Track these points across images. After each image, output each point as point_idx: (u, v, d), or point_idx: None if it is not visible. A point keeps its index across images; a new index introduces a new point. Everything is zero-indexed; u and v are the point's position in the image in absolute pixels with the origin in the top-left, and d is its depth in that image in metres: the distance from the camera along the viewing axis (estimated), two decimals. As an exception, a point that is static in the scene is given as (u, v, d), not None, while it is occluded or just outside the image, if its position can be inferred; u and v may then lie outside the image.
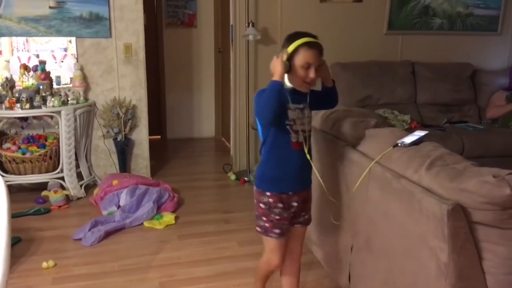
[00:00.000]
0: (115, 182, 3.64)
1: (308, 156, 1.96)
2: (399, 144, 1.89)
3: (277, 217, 1.99)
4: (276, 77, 1.84)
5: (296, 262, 2.21)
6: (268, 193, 1.98)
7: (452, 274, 1.53)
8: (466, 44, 4.98)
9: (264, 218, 2.01)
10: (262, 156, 2.03)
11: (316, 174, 2.07)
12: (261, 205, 2.01)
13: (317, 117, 2.50)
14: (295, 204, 2.01)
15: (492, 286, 1.57)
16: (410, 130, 3.10)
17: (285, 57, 1.86)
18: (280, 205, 1.98)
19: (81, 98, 3.96)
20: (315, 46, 1.88)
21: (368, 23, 4.66)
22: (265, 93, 1.84)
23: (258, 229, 2.05)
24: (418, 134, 1.93)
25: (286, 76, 1.91)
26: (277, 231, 2.00)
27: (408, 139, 1.90)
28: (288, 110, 1.92)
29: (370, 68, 4.50)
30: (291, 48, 1.87)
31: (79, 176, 3.97)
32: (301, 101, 1.96)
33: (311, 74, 1.88)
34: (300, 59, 1.87)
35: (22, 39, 3.90)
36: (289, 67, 1.87)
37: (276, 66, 1.85)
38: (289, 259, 2.17)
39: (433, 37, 4.88)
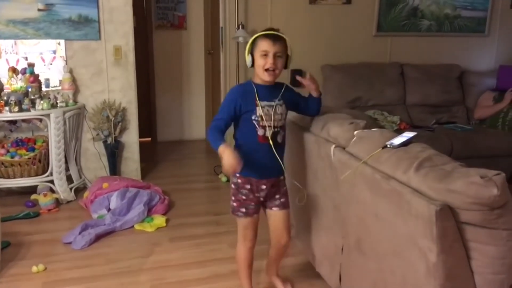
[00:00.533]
0: (105, 185, 3.62)
1: (273, 150, 2.10)
2: (388, 146, 1.90)
3: (244, 197, 2.19)
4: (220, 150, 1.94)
5: (281, 249, 2.37)
6: (237, 175, 2.15)
7: (441, 274, 1.55)
8: (454, 46, 5.04)
9: (233, 198, 2.21)
10: (235, 141, 2.18)
11: (281, 165, 2.18)
12: (232, 185, 2.22)
13: (307, 118, 2.51)
14: (263, 187, 2.17)
15: (480, 286, 1.59)
16: (399, 131, 3.13)
17: (247, 50, 2.08)
18: (247, 186, 2.17)
19: (71, 101, 3.94)
20: (271, 36, 2.04)
21: (357, 25, 4.69)
22: (210, 138, 2.02)
23: (230, 209, 2.25)
24: (407, 135, 1.95)
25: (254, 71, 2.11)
26: (243, 210, 2.20)
27: (397, 140, 1.92)
28: (256, 107, 2.08)
29: (360, 69, 4.53)
30: (249, 42, 2.07)
31: (69, 179, 3.95)
32: (273, 98, 2.13)
33: (270, 59, 2.03)
34: (257, 50, 2.05)
35: (10, 41, 3.88)
36: (252, 61, 2.07)
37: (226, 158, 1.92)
38: (277, 245, 2.35)
39: (422, 38, 4.93)
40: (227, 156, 1.90)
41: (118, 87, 4.19)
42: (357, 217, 2.04)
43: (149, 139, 5.97)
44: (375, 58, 4.74)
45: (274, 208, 2.27)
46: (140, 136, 4.43)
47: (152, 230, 3.31)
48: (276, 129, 2.13)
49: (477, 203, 1.49)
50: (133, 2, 4.11)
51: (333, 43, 4.62)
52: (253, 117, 2.09)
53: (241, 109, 2.10)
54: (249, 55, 2.09)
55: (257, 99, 2.08)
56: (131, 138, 4.33)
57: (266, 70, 2.06)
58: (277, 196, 2.26)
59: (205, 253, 3.00)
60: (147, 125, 5.75)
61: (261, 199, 2.22)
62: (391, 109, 4.50)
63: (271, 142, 2.10)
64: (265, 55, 2.04)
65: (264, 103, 2.10)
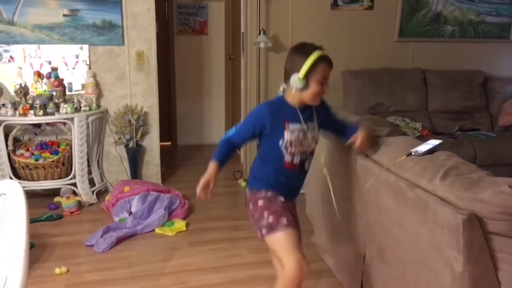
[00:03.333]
0: (126, 188, 3.66)
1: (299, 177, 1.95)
2: (413, 153, 1.88)
3: (280, 205, 1.88)
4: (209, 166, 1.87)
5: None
6: (265, 189, 1.92)
7: (467, 284, 1.52)
8: (477, 52, 4.97)
9: (267, 212, 1.85)
10: (258, 159, 2.01)
11: (331, 192, 2.06)
12: (259, 201, 1.89)
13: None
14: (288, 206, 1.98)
15: (507, 297, 1.56)
16: (421, 138, 3.10)
17: (302, 74, 1.80)
18: (281, 198, 1.90)
19: (94, 105, 3.99)
20: (329, 60, 1.85)
21: (379, 31, 4.66)
22: (220, 147, 1.94)
23: (264, 230, 1.85)
24: (432, 143, 1.92)
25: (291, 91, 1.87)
26: (283, 220, 1.82)
27: (422, 148, 1.90)
28: (285, 130, 1.85)
29: (381, 75, 4.50)
30: (309, 64, 1.79)
31: (91, 182, 4.00)
32: (306, 120, 1.90)
33: (326, 88, 1.85)
34: (318, 75, 1.81)
35: (34, 45, 3.95)
36: (305, 84, 1.81)
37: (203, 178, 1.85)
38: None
39: (445, 44, 4.87)
40: (205, 175, 1.84)
41: (140, 91, 4.23)
42: (380, 225, 2.02)
43: (169, 143, 6.01)
44: (396, 63, 4.70)
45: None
46: (161, 140, 4.47)
47: (173, 234, 3.33)
48: (304, 156, 1.92)
49: (505, 212, 1.46)
50: (156, 7, 4.16)
51: (354, 49, 4.60)
52: (280, 142, 1.86)
53: (268, 131, 1.87)
54: (305, 79, 1.81)
55: (292, 120, 1.86)
56: (152, 142, 4.37)
57: (319, 96, 1.87)
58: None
59: (224, 258, 3.00)
60: (167, 129, 5.80)
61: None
62: (413, 115, 4.45)
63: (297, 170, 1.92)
64: (323, 82, 1.83)
65: (296, 126, 1.87)
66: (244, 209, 2.05)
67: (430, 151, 1.88)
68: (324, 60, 1.82)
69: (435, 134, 4.23)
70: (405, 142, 2.04)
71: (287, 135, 1.85)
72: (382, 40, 4.69)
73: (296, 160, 1.90)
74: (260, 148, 2.01)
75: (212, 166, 1.86)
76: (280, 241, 1.82)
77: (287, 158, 1.88)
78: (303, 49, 1.85)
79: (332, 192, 2.09)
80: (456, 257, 1.53)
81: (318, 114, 1.96)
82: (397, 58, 4.74)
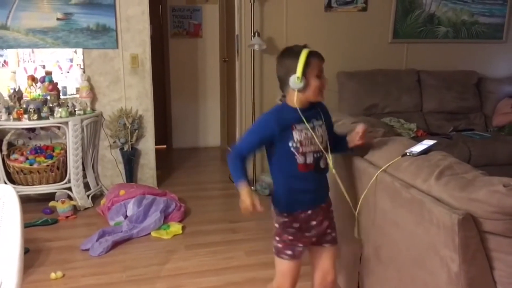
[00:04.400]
0: (122, 192, 3.65)
1: (317, 177, 1.92)
2: (408, 154, 1.89)
3: (290, 237, 1.92)
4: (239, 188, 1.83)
5: (330, 285, 2.07)
6: (284, 214, 1.92)
7: (463, 284, 1.52)
8: (471, 52, 4.99)
9: (277, 238, 1.95)
10: (273, 178, 1.98)
11: (342, 189, 2.02)
12: (276, 224, 1.96)
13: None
14: (313, 223, 1.93)
15: (503, 296, 1.57)
16: (416, 139, 3.11)
17: (299, 73, 1.80)
18: (295, 225, 1.91)
19: (88, 109, 3.98)
20: (319, 54, 1.87)
21: (373, 32, 4.67)
22: (231, 169, 1.89)
23: (273, 249, 1.99)
24: (427, 143, 1.93)
25: (294, 95, 1.85)
26: (289, 252, 1.93)
27: (417, 148, 1.90)
28: (293, 131, 1.85)
29: (376, 76, 4.51)
30: (302, 61, 1.80)
31: (86, 186, 3.98)
32: (311, 118, 1.89)
33: (325, 80, 1.87)
34: (314, 69, 1.82)
35: (28, 50, 3.94)
36: (305, 82, 1.81)
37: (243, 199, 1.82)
38: (322, 285, 2.07)
39: (438, 45, 4.89)
40: (244, 196, 1.79)
41: (134, 95, 4.22)
42: (376, 226, 2.03)
43: (165, 146, 6.00)
44: (391, 65, 4.71)
45: (325, 245, 2.01)
46: (156, 143, 4.46)
47: (169, 238, 3.32)
48: (317, 154, 1.89)
49: (500, 212, 1.47)
50: (150, 10, 4.15)
51: (348, 50, 4.61)
52: (290, 144, 1.85)
53: (277, 137, 1.86)
54: (303, 76, 1.81)
55: (297, 122, 1.85)
56: (148, 146, 4.35)
57: (321, 90, 1.87)
58: (329, 231, 2.01)
59: (221, 261, 3.00)
60: (162, 132, 5.79)
61: (313, 239, 1.97)
62: (408, 116, 4.47)
63: (328, 165, 1.92)
64: (321, 76, 1.85)
65: (302, 126, 1.86)
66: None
67: (425, 152, 1.89)
68: (315, 55, 1.85)
69: (430, 135, 4.24)
70: (400, 142, 2.05)
71: (296, 135, 1.85)
72: (376, 42, 4.70)
73: (309, 160, 1.87)
74: (271, 162, 1.96)
75: (243, 186, 1.82)
76: (280, 265, 1.98)
77: (300, 160, 1.86)
78: (291, 52, 1.86)
79: (344, 192, 2.07)
80: (452, 256, 1.53)
81: (324, 116, 1.97)
82: (392, 59, 4.76)
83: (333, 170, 1.93)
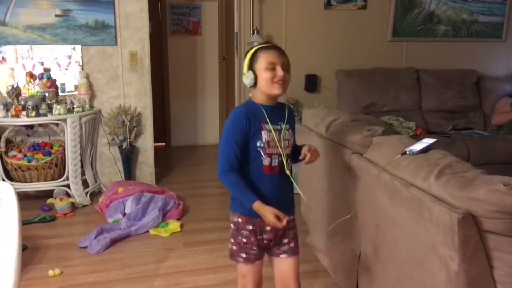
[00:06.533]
0: (120, 189, 3.64)
1: (291, 179, 1.82)
2: (408, 152, 1.88)
3: (244, 240, 1.82)
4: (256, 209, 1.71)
5: None
6: (238, 213, 1.83)
7: (463, 283, 1.52)
8: (470, 51, 4.99)
9: (232, 240, 1.86)
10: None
11: (300, 193, 1.99)
12: (231, 225, 1.87)
13: (321, 124, 2.50)
14: (267, 228, 1.80)
15: (503, 296, 1.56)
16: (415, 137, 3.10)
17: (244, 69, 1.77)
18: (249, 227, 1.81)
19: (87, 106, 3.97)
20: (275, 47, 1.80)
21: (373, 30, 4.67)
22: (236, 191, 1.78)
23: (228, 251, 1.90)
24: (427, 141, 1.92)
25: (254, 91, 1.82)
26: (243, 255, 1.84)
27: (417, 147, 1.90)
28: (261, 131, 1.76)
29: (375, 75, 4.50)
30: (248, 56, 1.77)
31: (85, 184, 3.97)
32: (278, 121, 1.82)
33: (279, 72, 1.75)
34: (261, 63, 1.75)
35: (26, 46, 3.92)
36: (254, 80, 1.76)
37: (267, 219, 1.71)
38: None
39: (438, 44, 4.89)
40: (267, 217, 1.69)
41: (133, 92, 4.21)
42: (375, 224, 2.02)
43: (163, 144, 5.99)
44: (390, 63, 4.71)
45: (281, 255, 1.89)
46: (154, 141, 4.45)
47: (167, 235, 3.31)
48: (281, 158, 1.80)
49: (500, 211, 1.46)
50: (149, 8, 4.14)
51: (348, 49, 4.60)
52: (258, 143, 1.76)
53: (248, 133, 1.76)
54: (250, 71, 1.77)
55: (265, 121, 1.77)
56: (146, 143, 4.35)
57: (276, 82, 1.75)
58: (285, 241, 1.88)
59: (219, 259, 2.99)
60: (161, 130, 5.78)
61: (265, 241, 1.84)
62: (407, 114, 4.46)
63: (286, 171, 1.80)
64: (273, 68, 1.74)
65: (270, 126, 1.78)
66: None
67: (425, 150, 1.88)
68: (264, 48, 1.79)
69: (429, 133, 4.24)
70: (400, 141, 2.04)
71: (264, 135, 1.77)
72: (376, 40, 4.70)
73: (274, 162, 1.79)
74: None
75: (259, 207, 1.71)
76: (239, 269, 1.90)
77: (265, 161, 1.78)
78: (246, 52, 1.84)
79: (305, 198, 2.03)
80: (451, 256, 1.53)
81: (290, 121, 1.88)
82: (391, 58, 4.75)
83: (290, 177, 1.82)
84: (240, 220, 1.83)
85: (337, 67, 4.47)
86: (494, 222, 1.49)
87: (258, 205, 1.70)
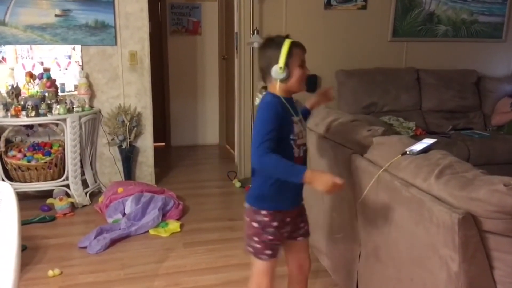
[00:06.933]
0: (120, 189, 3.64)
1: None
2: (408, 152, 1.88)
3: (270, 237, 1.86)
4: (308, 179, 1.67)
5: (305, 276, 2.07)
6: (264, 212, 1.85)
7: (463, 283, 1.52)
8: (470, 51, 4.98)
9: (256, 239, 1.88)
10: (258, 174, 1.86)
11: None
12: (254, 224, 1.87)
13: (321, 124, 2.49)
14: (288, 219, 1.89)
15: (503, 296, 1.56)
16: (415, 137, 3.10)
17: (282, 63, 1.75)
18: (274, 223, 1.85)
19: (86, 106, 3.96)
20: (301, 44, 1.84)
21: (373, 30, 4.66)
22: (280, 169, 1.71)
23: (250, 249, 1.91)
24: (427, 142, 1.92)
25: (277, 86, 1.80)
26: (268, 252, 1.88)
27: (417, 147, 1.89)
28: (293, 124, 1.81)
29: (375, 75, 4.50)
30: (285, 51, 1.76)
31: (84, 184, 3.97)
32: (297, 113, 1.88)
33: (307, 70, 1.83)
34: (296, 60, 1.79)
35: (26, 46, 3.92)
36: (288, 72, 1.77)
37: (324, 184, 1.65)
38: (300, 274, 2.06)
39: (438, 44, 4.89)
40: (324, 179, 1.65)
41: (133, 92, 4.21)
42: (375, 224, 2.02)
43: (163, 144, 5.99)
44: (390, 63, 4.70)
45: (299, 238, 1.99)
46: (154, 141, 4.45)
47: (167, 235, 3.31)
48: (305, 147, 1.87)
49: (500, 211, 1.46)
50: (149, 7, 4.14)
51: (348, 48, 4.60)
52: (291, 136, 1.80)
53: (283, 123, 1.78)
54: (286, 67, 1.77)
55: (291, 114, 1.81)
56: (146, 143, 4.34)
57: (304, 80, 1.82)
58: (301, 225, 1.99)
59: (219, 259, 2.99)
60: (161, 130, 5.78)
61: (285, 234, 1.92)
62: (407, 115, 4.46)
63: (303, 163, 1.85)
64: (303, 66, 1.81)
65: (296, 118, 1.84)
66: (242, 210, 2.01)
67: (425, 150, 1.88)
68: (297, 45, 1.82)
69: (429, 134, 4.24)
70: (400, 141, 2.04)
71: (295, 128, 1.81)
72: (376, 40, 4.69)
73: (301, 153, 1.85)
74: None
75: (309, 173, 1.67)
76: (259, 266, 1.92)
77: (296, 152, 1.82)
78: (273, 42, 1.82)
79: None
80: (451, 256, 1.52)
81: (298, 109, 1.95)
82: (391, 58, 4.75)
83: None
84: (266, 218, 1.85)
85: (337, 67, 4.46)
86: (495, 223, 1.49)
87: (307, 173, 1.67)
